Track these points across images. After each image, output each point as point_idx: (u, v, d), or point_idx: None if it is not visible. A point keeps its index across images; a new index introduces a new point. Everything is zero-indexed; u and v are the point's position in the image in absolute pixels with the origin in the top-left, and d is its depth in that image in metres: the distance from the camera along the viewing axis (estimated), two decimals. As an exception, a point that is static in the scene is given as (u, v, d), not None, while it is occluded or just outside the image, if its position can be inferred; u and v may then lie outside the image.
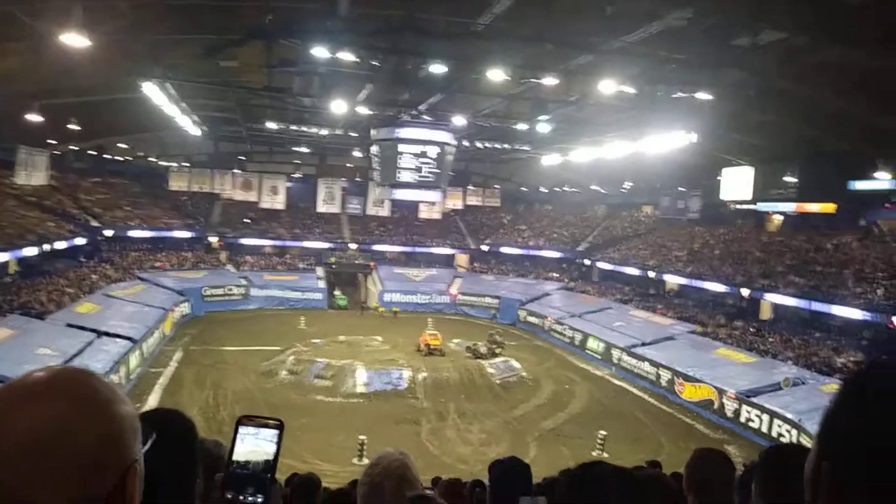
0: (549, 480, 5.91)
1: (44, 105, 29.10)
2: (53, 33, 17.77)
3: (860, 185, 32.23)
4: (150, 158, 55.26)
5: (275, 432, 1.46)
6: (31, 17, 17.97)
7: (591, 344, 38.34)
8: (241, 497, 1.41)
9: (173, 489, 1.59)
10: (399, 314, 45.08)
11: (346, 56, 20.60)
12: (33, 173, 38.51)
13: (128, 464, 1.05)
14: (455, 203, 58.55)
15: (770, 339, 33.71)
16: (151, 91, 26.45)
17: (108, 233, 46.05)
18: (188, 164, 53.97)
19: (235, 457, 1.44)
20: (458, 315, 48.76)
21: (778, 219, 43.16)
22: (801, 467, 1.11)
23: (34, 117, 29.42)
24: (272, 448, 1.45)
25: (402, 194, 37.24)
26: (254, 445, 1.45)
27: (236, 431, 1.46)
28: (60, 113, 32.26)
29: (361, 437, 21.29)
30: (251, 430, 1.46)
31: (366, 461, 20.45)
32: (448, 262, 57.64)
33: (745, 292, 37.04)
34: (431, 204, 53.66)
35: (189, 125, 37.17)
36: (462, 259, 58.33)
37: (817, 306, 32.78)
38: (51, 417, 0.99)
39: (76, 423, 1.00)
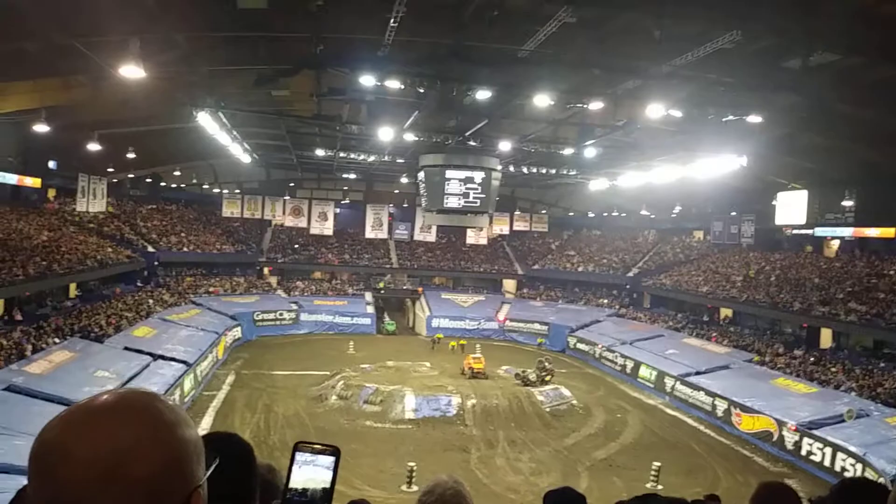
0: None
1: (103, 135, 30.20)
2: (112, 65, 18.44)
3: (922, 208, 31.16)
4: (203, 186, 56.91)
5: (331, 459, 1.43)
6: (91, 50, 18.70)
7: (644, 372, 37.55)
8: None
9: None
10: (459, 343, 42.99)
11: (393, 84, 20.87)
12: (93, 201, 39.88)
13: (192, 487, 1.06)
14: (502, 228, 58.42)
15: (832, 369, 32.48)
16: (205, 120, 27.16)
17: (164, 258, 47.22)
18: (240, 191, 55.22)
19: (292, 484, 1.41)
20: (506, 341, 48.39)
21: (835, 244, 41.93)
22: (872, 500, 1.06)
23: (94, 146, 30.55)
24: (328, 475, 1.42)
25: (448, 219, 37.33)
26: (311, 473, 1.42)
27: (293, 458, 1.42)
28: (118, 142, 33.47)
29: (411, 463, 21.16)
30: (308, 456, 1.43)
31: (415, 488, 20.36)
32: (496, 287, 57.44)
33: (803, 320, 35.87)
34: (479, 229, 53.64)
35: (241, 153, 38.06)
36: (510, 285, 58.04)
37: (881, 335, 31.54)
38: (117, 441, 1.00)
39: (142, 447, 1.01)
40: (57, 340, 28.81)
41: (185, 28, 19.01)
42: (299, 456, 1.43)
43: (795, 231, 40.03)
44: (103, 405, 1.06)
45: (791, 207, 37.66)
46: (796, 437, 25.98)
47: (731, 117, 22.56)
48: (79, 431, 1.01)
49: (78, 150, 31.98)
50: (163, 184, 53.39)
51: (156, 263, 46.35)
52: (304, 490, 1.40)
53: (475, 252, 58.74)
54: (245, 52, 21.52)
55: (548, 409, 30.81)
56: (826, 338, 36.59)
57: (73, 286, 36.40)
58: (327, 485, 1.41)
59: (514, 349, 45.60)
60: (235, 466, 1.58)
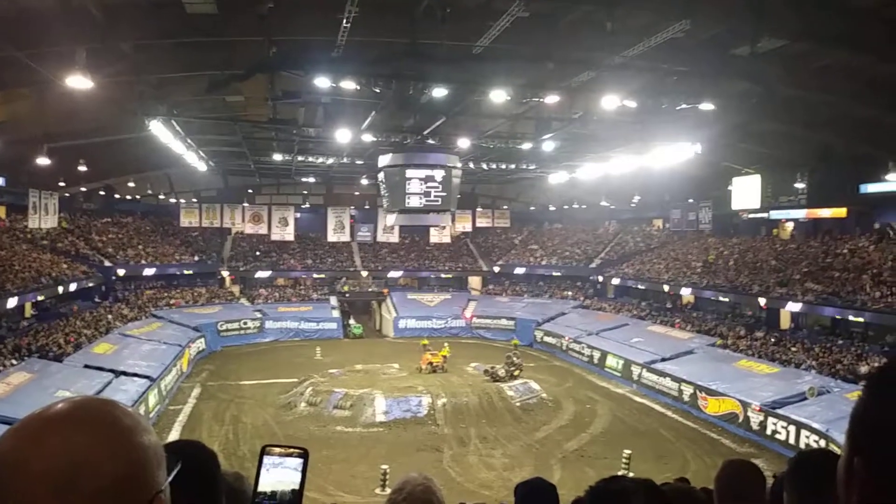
0: (577, 501, 5.76)
1: (52, 148, 29.41)
2: (58, 77, 17.98)
3: (872, 187, 31.99)
4: (159, 196, 55.91)
5: (299, 461, 1.41)
6: (35, 62, 18.20)
7: (610, 361, 37.98)
8: None
9: None
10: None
11: (349, 85, 20.74)
12: (45, 216, 38.82)
13: (152, 494, 1.03)
14: (465, 226, 58.54)
15: (792, 349, 33.23)
16: (158, 129, 26.63)
17: (121, 272, 46.23)
18: (197, 200, 54.36)
19: (261, 487, 1.39)
20: (474, 338, 48.52)
21: (789, 226, 42.88)
22: (829, 470, 1.10)
23: (43, 160, 29.70)
24: (297, 477, 1.40)
25: (411, 219, 37.26)
26: (279, 475, 1.40)
27: (261, 461, 1.40)
28: (69, 155, 32.64)
29: (384, 466, 21.06)
30: (276, 459, 1.41)
31: (388, 490, 20.16)
32: (461, 285, 57.54)
33: (762, 302, 36.63)
34: (441, 228, 53.67)
35: (196, 161, 37.45)
36: (475, 282, 58.19)
37: (837, 313, 32.35)
38: (73, 450, 0.98)
39: (99, 455, 0.99)
40: (14, 361, 28.06)
41: (132, 36, 18.62)
42: (267, 459, 1.41)
43: (751, 215, 40.80)
44: (58, 413, 1.03)
45: (746, 192, 38.37)
46: (761, 417, 26.54)
47: (684, 106, 22.89)
48: (33, 442, 0.98)
49: (27, 165, 31.12)
50: (117, 196, 52.22)
51: (113, 278, 45.39)
52: (273, 493, 1.38)
53: (439, 251, 58.74)
54: (196, 58, 21.15)
55: (518, 404, 30.95)
56: (785, 318, 37.44)
57: (28, 305, 35.44)
58: (296, 486, 1.39)
59: (483, 346, 45.74)
60: (197, 473, 1.54)
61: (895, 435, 0.96)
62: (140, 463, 1.03)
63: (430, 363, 35.83)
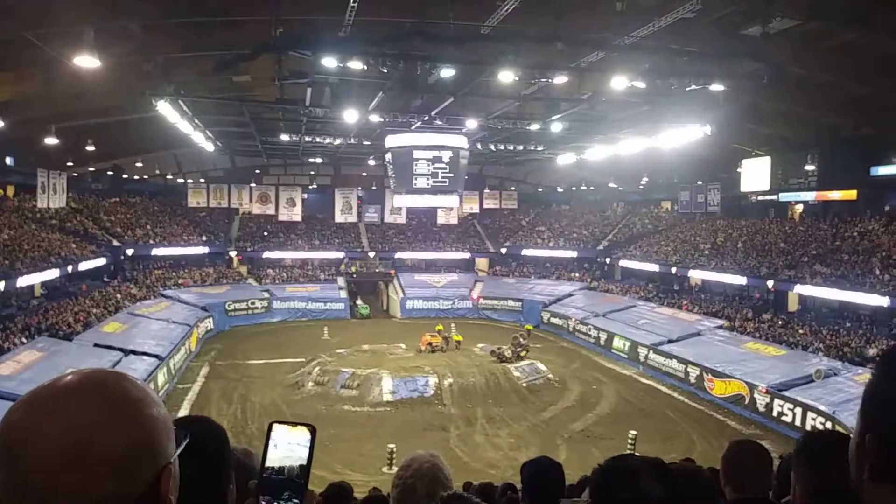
0: (586, 478, 5.80)
1: (60, 128, 29.44)
2: (66, 56, 17.97)
3: (882, 170, 31.76)
4: (167, 176, 55.97)
5: (307, 437, 1.43)
6: (43, 42, 18.18)
7: (617, 343, 38.02)
8: (277, 503, 1.39)
9: (208, 493, 1.57)
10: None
11: (356, 65, 20.63)
12: (53, 196, 38.98)
13: (161, 465, 1.05)
14: (472, 207, 58.47)
15: (799, 331, 33.19)
16: (165, 109, 26.62)
17: (130, 251, 46.47)
18: (204, 180, 54.43)
19: (269, 462, 1.41)
20: (481, 319, 48.62)
21: (799, 208, 42.63)
22: (836, 449, 1.13)
23: (51, 140, 29.74)
24: (305, 453, 1.42)
25: (418, 200, 37.27)
26: (287, 451, 1.42)
27: (268, 437, 1.42)
28: (77, 135, 32.68)
29: (391, 445, 21.20)
30: (283, 435, 1.43)
31: (395, 469, 20.31)
32: (468, 266, 57.50)
33: (770, 284, 36.53)
34: (448, 209, 53.63)
35: (204, 141, 37.44)
36: (482, 263, 58.17)
37: (846, 295, 32.22)
38: (81, 419, 0.99)
39: (108, 424, 1.00)
40: (24, 340, 28.31)
41: (139, 16, 18.55)
42: (275, 434, 1.43)
43: (760, 197, 40.58)
44: (68, 385, 1.04)
45: (755, 174, 38.15)
46: (767, 399, 26.57)
47: (693, 87, 22.70)
48: (43, 411, 1.00)
49: (35, 145, 31.19)
50: (125, 176, 52.24)
51: (122, 257, 45.61)
52: (282, 468, 1.41)
53: (446, 232, 58.70)
54: (203, 38, 21.05)
55: (524, 385, 31.08)
56: (793, 301, 37.34)
57: (37, 284, 35.69)
58: (304, 462, 1.41)
59: (490, 326, 45.84)
60: (207, 447, 1.57)
61: None
62: (149, 434, 1.04)
63: (430, 343, 36.20)
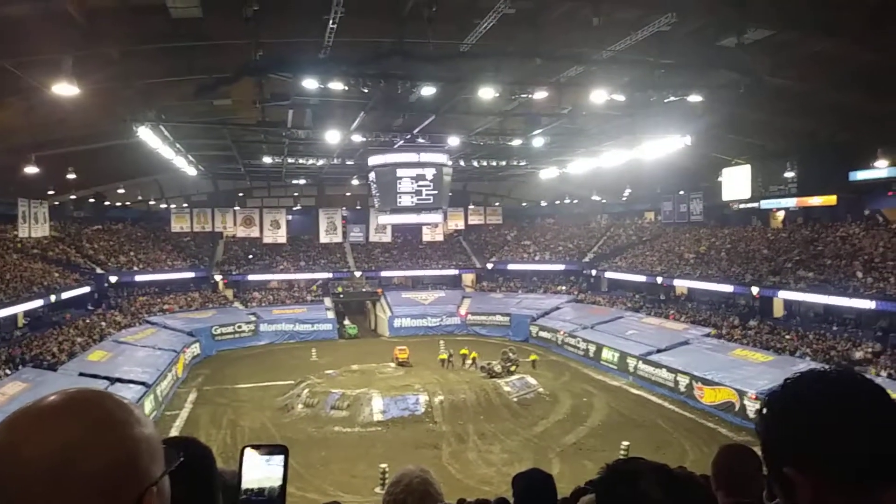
0: (591, 482, 5.80)
1: (40, 156, 29.19)
2: (45, 85, 17.89)
3: (861, 174, 32.10)
4: (150, 202, 55.62)
5: (281, 457, 1.46)
6: (21, 71, 18.09)
7: (606, 354, 38.08)
8: None
9: None
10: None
11: (337, 85, 20.71)
12: (34, 226, 38.62)
13: (143, 487, 1.03)
14: (457, 223, 58.59)
15: (786, 337, 33.41)
16: (147, 135, 26.52)
17: (114, 279, 46.08)
18: (188, 205, 54.18)
19: (247, 485, 1.44)
20: (469, 335, 48.53)
21: (780, 215, 43.03)
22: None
23: (32, 169, 29.47)
24: (280, 473, 1.45)
25: (403, 218, 37.30)
26: (263, 473, 1.45)
27: (241, 461, 1.46)
28: (57, 163, 32.38)
29: (383, 465, 21.04)
30: (257, 457, 1.47)
31: (387, 490, 20.15)
32: (455, 282, 57.53)
33: (755, 291, 36.77)
34: (433, 226, 53.69)
35: (186, 166, 37.29)
36: (469, 279, 58.21)
37: (830, 300, 32.49)
38: (65, 438, 0.98)
39: (91, 444, 0.99)
40: (8, 371, 27.96)
41: (118, 42, 18.52)
42: (248, 458, 1.46)
43: (742, 205, 40.90)
44: (51, 404, 1.04)
45: (736, 182, 38.45)
46: (757, 405, 26.59)
47: (672, 98, 22.94)
48: (26, 431, 0.99)
49: (15, 174, 30.84)
50: (107, 203, 51.92)
51: (106, 285, 45.21)
52: (262, 489, 1.44)
53: (432, 249, 58.72)
54: (182, 63, 21.05)
55: (515, 399, 31.02)
56: (778, 307, 37.60)
57: (20, 314, 35.28)
58: (281, 482, 1.45)
59: (479, 342, 45.65)
60: (193, 468, 1.57)
61: (809, 437, 1.12)
62: (131, 455, 1.03)
63: (397, 358, 37.46)
